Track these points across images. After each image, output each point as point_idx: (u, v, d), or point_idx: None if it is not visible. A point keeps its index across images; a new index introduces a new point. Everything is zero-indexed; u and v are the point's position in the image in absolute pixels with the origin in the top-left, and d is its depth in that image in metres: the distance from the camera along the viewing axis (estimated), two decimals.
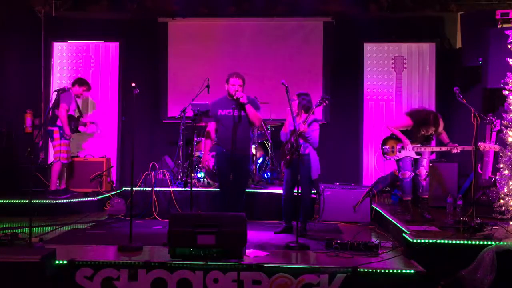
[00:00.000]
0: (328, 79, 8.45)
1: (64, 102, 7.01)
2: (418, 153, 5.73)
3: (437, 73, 8.14)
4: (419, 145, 5.71)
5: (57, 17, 8.39)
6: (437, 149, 5.83)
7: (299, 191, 5.64)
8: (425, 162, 5.76)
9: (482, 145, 5.61)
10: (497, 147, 5.72)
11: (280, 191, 6.60)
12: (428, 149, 5.73)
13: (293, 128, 5.45)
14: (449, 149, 5.65)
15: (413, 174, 5.76)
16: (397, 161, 5.83)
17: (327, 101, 5.61)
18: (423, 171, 5.74)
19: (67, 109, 7.00)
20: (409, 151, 5.72)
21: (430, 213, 5.65)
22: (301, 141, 5.52)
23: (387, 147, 5.88)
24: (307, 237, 5.46)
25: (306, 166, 5.62)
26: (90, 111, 8.31)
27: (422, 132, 5.68)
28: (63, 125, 6.97)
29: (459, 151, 5.61)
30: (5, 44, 8.02)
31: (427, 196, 5.78)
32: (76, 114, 7.40)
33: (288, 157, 5.61)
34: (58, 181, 7.12)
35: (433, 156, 5.83)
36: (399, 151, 5.77)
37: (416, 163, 5.78)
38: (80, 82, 7.36)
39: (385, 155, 5.90)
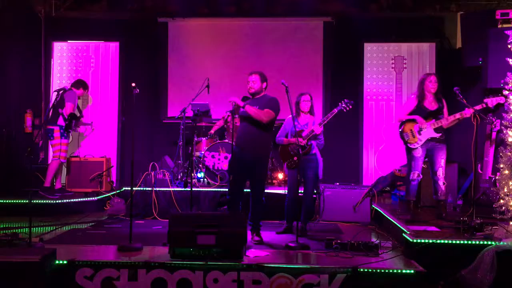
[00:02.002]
0: (328, 79, 8.46)
1: (70, 101, 7.08)
2: (437, 130, 5.52)
3: (437, 73, 8.13)
4: (433, 120, 5.54)
5: (57, 17, 8.40)
6: (452, 118, 5.46)
7: (303, 191, 5.68)
8: (443, 162, 5.57)
9: (488, 101, 5.37)
10: (502, 99, 5.45)
11: (280, 191, 6.63)
12: (444, 122, 5.49)
13: (296, 129, 5.46)
14: (464, 116, 5.40)
15: (421, 176, 5.61)
16: (410, 159, 5.67)
17: (351, 106, 5.63)
18: (441, 172, 5.55)
19: (73, 107, 7.12)
20: (428, 129, 5.53)
21: (447, 214, 5.60)
22: (313, 142, 5.60)
23: (406, 133, 5.67)
24: (307, 237, 5.47)
25: (313, 166, 5.66)
26: (85, 107, 8.31)
27: (426, 105, 5.57)
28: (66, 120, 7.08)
29: (473, 112, 5.34)
30: (5, 44, 8.01)
31: (443, 198, 5.64)
32: (77, 114, 7.42)
33: (295, 158, 5.58)
34: (53, 179, 7.13)
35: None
36: (419, 133, 5.57)
37: (432, 163, 5.62)
38: (84, 85, 7.50)
39: (408, 143, 5.66)
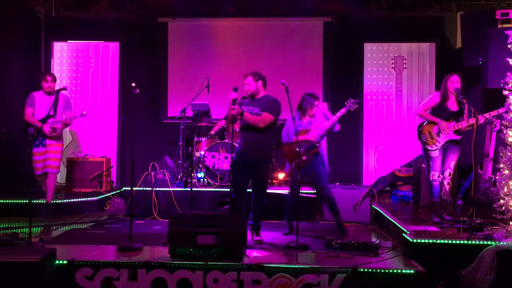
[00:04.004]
0: (328, 79, 8.46)
1: (26, 105, 6.31)
2: (457, 132, 5.48)
3: (437, 73, 8.14)
4: (454, 122, 5.49)
5: (57, 17, 8.39)
6: (473, 121, 5.34)
7: (320, 189, 5.81)
8: (452, 164, 5.55)
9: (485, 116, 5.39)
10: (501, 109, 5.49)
11: (280, 191, 6.66)
12: (464, 124, 5.45)
13: (300, 128, 5.58)
14: (483, 121, 5.32)
15: (442, 176, 5.55)
16: (428, 160, 5.61)
17: (357, 105, 5.68)
18: (448, 173, 5.54)
19: (32, 111, 6.25)
20: (448, 133, 5.51)
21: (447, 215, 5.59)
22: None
23: (424, 134, 5.59)
24: (309, 236, 5.51)
25: (322, 162, 5.74)
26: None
27: (449, 105, 5.54)
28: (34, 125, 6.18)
29: (494, 115, 5.40)
30: (5, 44, 8.01)
31: (445, 198, 5.62)
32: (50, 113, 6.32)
33: (304, 158, 5.57)
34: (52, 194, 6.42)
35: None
36: (438, 135, 5.52)
37: (441, 163, 5.57)
38: (44, 76, 6.45)
39: (426, 145, 5.58)
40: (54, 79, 6.48)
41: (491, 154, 6.17)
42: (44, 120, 6.10)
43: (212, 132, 7.59)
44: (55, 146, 6.36)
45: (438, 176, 5.56)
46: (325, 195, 5.80)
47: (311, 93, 5.78)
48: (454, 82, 5.52)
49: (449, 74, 5.63)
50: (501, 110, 5.49)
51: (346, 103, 5.66)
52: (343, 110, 5.65)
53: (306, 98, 5.71)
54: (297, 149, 5.58)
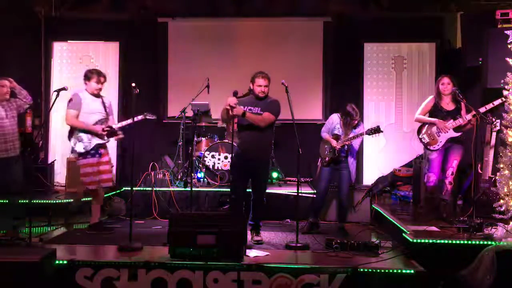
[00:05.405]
0: (328, 79, 8.45)
1: (70, 108, 5.56)
2: (457, 129, 5.56)
3: (437, 73, 8.12)
4: (451, 121, 5.58)
5: (57, 17, 8.39)
6: (469, 117, 5.44)
7: (339, 190, 5.97)
8: (455, 163, 5.62)
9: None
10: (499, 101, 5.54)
11: (280, 191, 6.66)
12: (461, 121, 5.52)
13: (336, 133, 5.81)
14: (478, 116, 5.37)
15: (436, 179, 5.63)
16: (427, 161, 5.69)
17: (378, 135, 5.74)
18: (450, 172, 5.60)
19: (76, 115, 5.48)
20: (447, 131, 5.57)
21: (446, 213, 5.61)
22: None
23: (424, 136, 5.70)
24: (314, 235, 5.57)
25: (347, 166, 5.90)
26: None
27: (443, 105, 5.64)
28: (88, 131, 5.47)
29: (490, 108, 5.49)
30: (5, 44, 8.01)
31: (446, 198, 5.68)
32: (99, 117, 5.66)
33: (327, 159, 5.83)
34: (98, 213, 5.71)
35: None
36: (438, 135, 5.61)
37: (444, 162, 5.65)
38: (91, 73, 5.64)
39: (428, 146, 5.67)
40: (106, 80, 5.66)
41: (491, 154, 6.18)
42: (103, 122, 5.59)
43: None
44: (107, 156, 5.70)
45: (433, 180, 5.64)
46: (341, 197, 5.94)
47: (353, 107, 5.82)
48: (445, 84, 5.67)
49: (440, 76, 5.80)
50: (496, 102, 5.53)
51: (367, 131, 5.72)
52: (361, 137, 5.78)
53: (348, 110, 5.78)
54: (325, 147, 5.85)
